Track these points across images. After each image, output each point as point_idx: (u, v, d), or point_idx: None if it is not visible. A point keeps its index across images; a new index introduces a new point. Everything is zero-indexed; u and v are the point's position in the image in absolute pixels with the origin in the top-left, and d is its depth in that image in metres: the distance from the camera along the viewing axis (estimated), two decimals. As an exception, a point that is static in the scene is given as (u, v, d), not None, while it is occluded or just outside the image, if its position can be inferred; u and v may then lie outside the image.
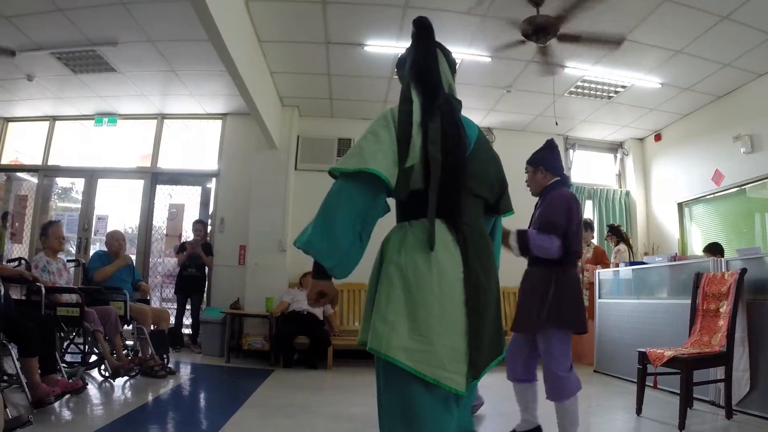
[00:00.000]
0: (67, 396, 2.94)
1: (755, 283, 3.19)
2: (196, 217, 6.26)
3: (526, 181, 2.68)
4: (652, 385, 3.31)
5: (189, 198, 6.55)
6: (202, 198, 6.55)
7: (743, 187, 5.32)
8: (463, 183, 1.35)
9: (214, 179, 6.50)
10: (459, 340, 1.26)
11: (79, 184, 6.72)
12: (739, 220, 5.57)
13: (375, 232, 1.34)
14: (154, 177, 6.47)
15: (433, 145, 1.30)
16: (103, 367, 3.80)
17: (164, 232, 6.43)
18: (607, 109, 5.97)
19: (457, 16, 4.14)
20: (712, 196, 5.72)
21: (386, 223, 1.43)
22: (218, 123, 6.57)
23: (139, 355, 4.08)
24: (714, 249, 4.68)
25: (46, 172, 6.62)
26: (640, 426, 3.04)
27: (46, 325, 3.06)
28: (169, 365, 4.29)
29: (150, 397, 3.43)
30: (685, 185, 6.07)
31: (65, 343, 3.75)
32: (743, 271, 3.16)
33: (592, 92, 5.56)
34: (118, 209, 6.60)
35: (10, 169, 6.72)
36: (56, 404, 2.87)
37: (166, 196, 6.52)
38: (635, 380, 3.26)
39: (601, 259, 5.49)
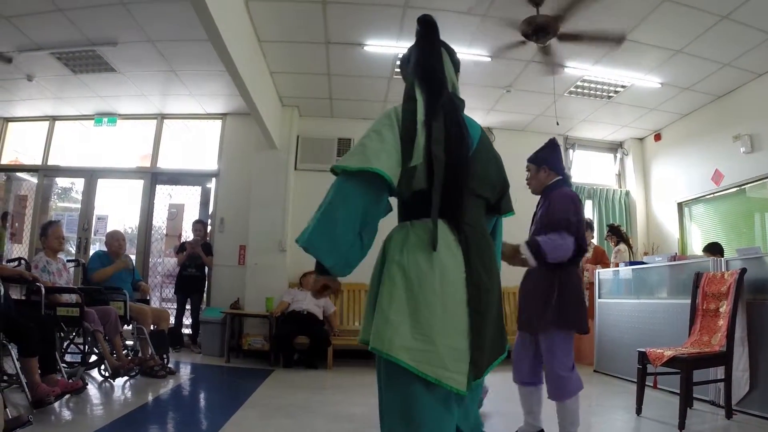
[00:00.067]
0: (67, 396, 2.93)
1: (755, 282, 3.19)
2: (196, 217, 6.26)
3: (527, 180, 2.66)
4: (652, 384, 3.31)
5: (189, 198, 6.55)
6: (202, 198, 6.55)
7: (743, 186, 5.32)
8: (466, 183, 1.34)
9: (213, 179, 6.49)
10: (461, 340, 1.26)
11: (78, 184, 6.72)
12: (739, 219, 5.57)
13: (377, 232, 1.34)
14: (154, 177, 6.47)
15: (437, 145, 1.30)
16: (103, 367, 3.79)
17: (164, 232, 6.43)
18: (607, 108, 5.97)
19: (457, 16, 4.15)
20: (711, 195, 5.72)
21: (387, 222, 1.43)
22: (218, 123, 6.57)
23: (139, 355, 4.08)
24: (714, 249, 4.68)
25: (46, 172, 6.62)
26: (640, 426, 3.04)
27: (46, 325, 3.06)
28: (169, 365, 4.29)
29: (150, 397, 3.43)
30: (685, 185, 6.07)
31: (65, 343, 3.75)
32: (743, 270, 3.16)
33: (592, 92, 5.56)
34: (118, 209, 6.60)
35: (10, 169, 6.72)
36: (56, 404, 2.87)
37: (166, 196, 6.52)
38: (635, 380, 3.26)
39: (601, 259, 5.49)
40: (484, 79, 5.30)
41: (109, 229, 5.25)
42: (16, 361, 2.79)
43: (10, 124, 6.73)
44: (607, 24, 4.09)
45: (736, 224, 5.60)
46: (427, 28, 1.46)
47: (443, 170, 1.29)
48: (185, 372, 4.57)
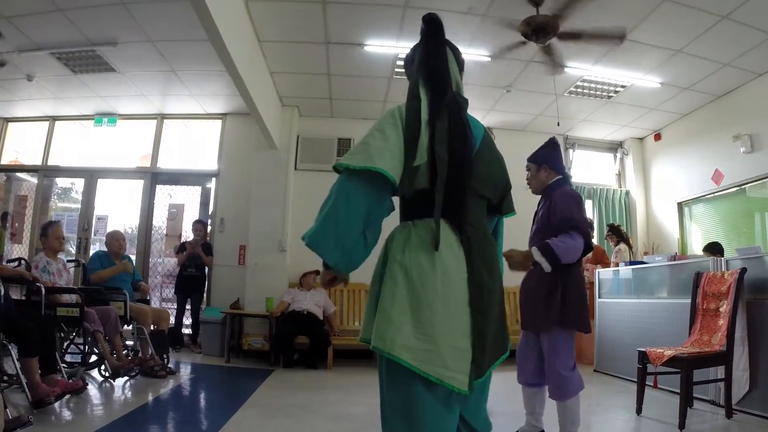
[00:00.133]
0: (67, 396, 2.93)
1: (755, 282, 3.19)
2: (196, 217, 6.25)
3: (527, 180, 2.65)
4: (652, 384, 3.31)
5: (189, 198, 6.55)
6: (202, 198, 6.54)
7: (743, 186, 5.33)
8: (468, 183, 1.34)
9: (213, 179, 6.49)
10: (463, 340, 1.26)
11: (78, 184, 6.72)
12: (739, 219, 5.57)
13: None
14: (154, 177, 6.47)
15: (440, 145, 1.29)
16: (103, 367, 3.79)
17: (164, 232, 6.43)
18: (606, 108, 5.97)
19: (457, 16, 4.15)
20: (711, 195, 5.73)
21: (388, 222, 1.42)
22: (218, 123, 6.57)
23: (139, 355, 4.07)
24: (714, 248, 4.69)
25: (46, 172, 6.62)
26: (640, 425, 3.04)
27: (46, 326, 3.06)
28: (169, 365, 4.28)
29: (150, 397, 3.43)
30: (685, 185, 6.07)
31: (65, 344, 3.74)
32: (743, 270, 3.16)
33: (591, 92, 5.57)
34: (118, 209, 6.60)
35: (10, 170, 6.72)
36: (56, 404, 2.86)
37: (165, 196, 6.52)
38: (635, 380, 3.26)
39: (601, 258, 5.50)
40: (484, 79, 5.30)
41: (109, 229, 5.25)
42: (16, 361, 2.79)
43: (10, 124, 6.73)
44: (607, 24, 4.09)
45: (736, 224, 5.60)
46: (432, 27, 1.45)
47: (446, 170, 1.29)
48: (185, 372, 4.57)
